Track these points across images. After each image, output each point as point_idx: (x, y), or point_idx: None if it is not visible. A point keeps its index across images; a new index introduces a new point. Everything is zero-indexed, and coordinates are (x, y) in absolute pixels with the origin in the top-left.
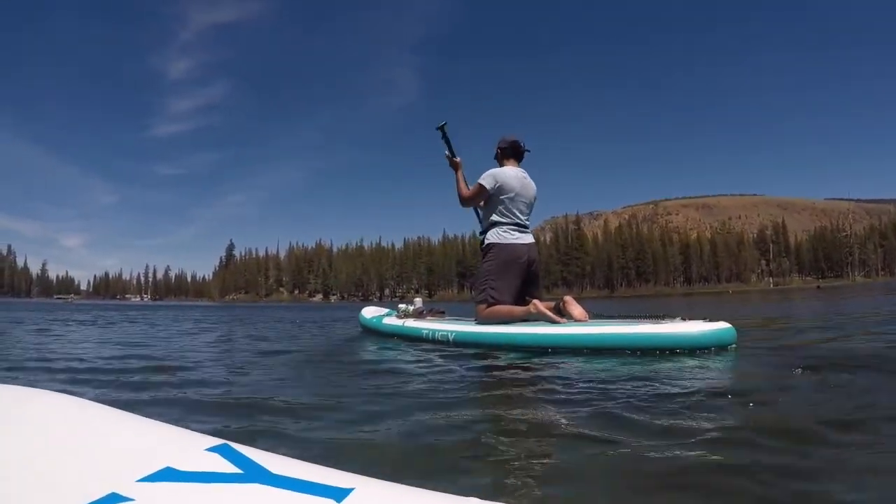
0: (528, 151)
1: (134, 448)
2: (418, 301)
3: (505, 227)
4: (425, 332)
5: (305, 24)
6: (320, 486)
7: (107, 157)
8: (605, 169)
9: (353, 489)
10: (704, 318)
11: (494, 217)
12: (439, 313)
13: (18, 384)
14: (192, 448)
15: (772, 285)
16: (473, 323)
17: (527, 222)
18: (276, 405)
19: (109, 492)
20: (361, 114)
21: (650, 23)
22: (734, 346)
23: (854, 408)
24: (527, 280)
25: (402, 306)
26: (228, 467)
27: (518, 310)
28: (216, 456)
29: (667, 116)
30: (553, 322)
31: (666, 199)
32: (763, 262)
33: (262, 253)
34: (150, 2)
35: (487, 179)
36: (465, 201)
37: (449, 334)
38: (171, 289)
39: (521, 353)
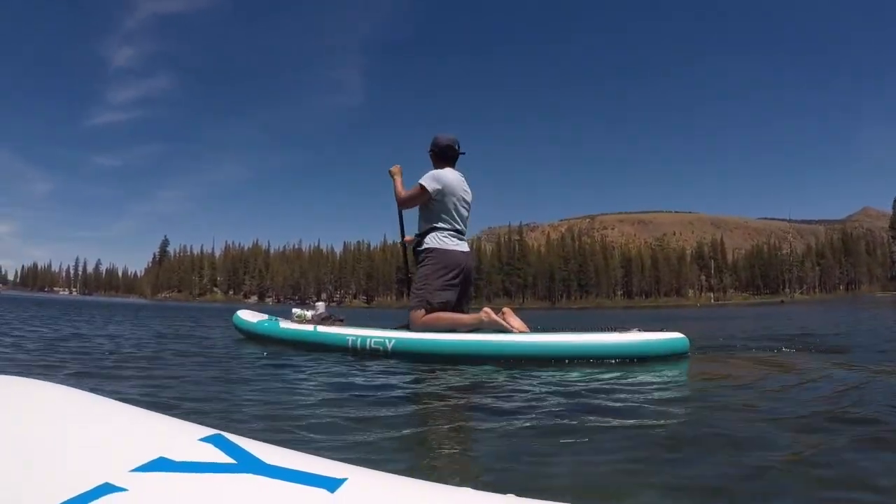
0: (463, 154)
1: (127, 438)
2: (321, 306)
3: (445, 233)
4: (351, 339)
5: (253, 20)
6: (313, 475)
7: (43, 144)
8: (543, 181)
9: (345, 479)
10: (661, 329)
11: (433, 221)
12: (339, 321)
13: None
14: (185, 438)
15: (712, 300)
16: (404, 330)
17: (464, 230)
18: None
19: (103, 482)
20: (305, 113)
21: (588, 36)
22: (688, 353)
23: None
24: (462, 290)
25: (298, 311)
26: (222, 457)
27: (466, 318)
28: (209, 446)
29: (603, 131)
30: (507, 331)
31: (602, 214)
32: (703, 277)
33: (196, 251)
34: None
35: (428, 181)
36: (402, 203)
37: (386, 342)
38: (101, 284)
39: (482, 364)
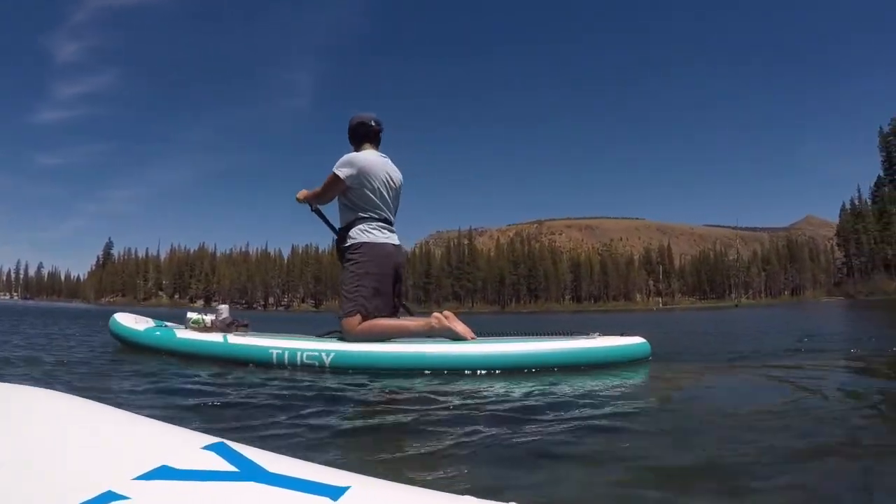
0: (383, 131)
1: (130, 446)
2: (224, 309)
3: (373, 224)
4: (276, 353)
5: (206, 19)
6: (316, 484)
7: None
8: (491, 186)
9: (349, 487)
10: (622, 333)
11: (357, 211)
12: (242, 326)
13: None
14: (188, 446)
15: (661, 304)
16: (334, 338)
17: (392, 219)
18: None
19: (106, 489)
20: (256, 115)
21: (540, 46)
22: (650, 357)
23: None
24: (396, 291)
25: (194, 315)
26: (225, 465)
27: (413, 324)
28: (213, 454)
29: (550, 137)
30: (462, 339)
31: (550, 219)
32: (651, 282)
33: (142, 254)
34: None
35: (344, 168)
36: (320, 197)
37: (322, 356)
38: (43, 288)
39: (433, 377)
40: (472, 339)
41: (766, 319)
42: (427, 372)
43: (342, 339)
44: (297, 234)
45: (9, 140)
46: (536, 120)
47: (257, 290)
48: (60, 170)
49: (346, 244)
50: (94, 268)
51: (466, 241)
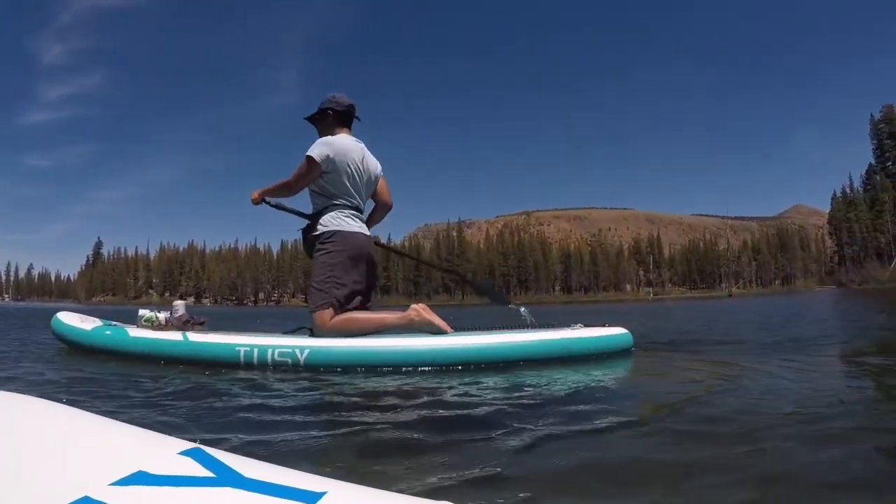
0: (359, 120)
1: (106, 451)
2: (180, 306)
3: (347, 212)
4: (243, 350)
5: (192, 18)
6: (293, 489)
7: None
8: (478, 178)
9: (325, 493)
10: (604, 324)
11: (330, 198)
12: (199, 324)
13: None
14: (165, 452)
15: (651, 295)
16: (304, 335)
17: (363, 208)
18: None
19: (82, 495)
20: (243, 113)
21: (527, 37)
22: (633, 348)
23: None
24: (369, 283)
25: (146, 313)
26: (201, 471)
27: (391, 317)
28: (189, 460)
29: (537, 128)
30: (442, 332)
31: (538, 210)
32: (641, 272)
33: (131, 253)
34: None
35: (319, 150)
36: (291, 188)
37: (296, 353)
38: (34, 289)
39: (410, 374)
40: (450, 331)
41: (761, 308)
42: (407, 369)
43: (313, 334)
44: (287, 229)
45: None
46: (521, 111)
47: (247, 286)
48: (48, 171)
49: (317, 232)
50: (84, 268)
51: (455, 234)
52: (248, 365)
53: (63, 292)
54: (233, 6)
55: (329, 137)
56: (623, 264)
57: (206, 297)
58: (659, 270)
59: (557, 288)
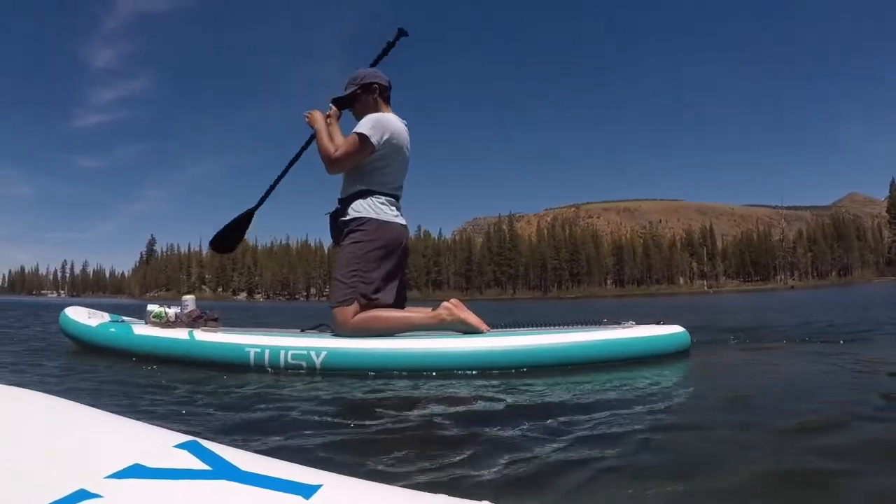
0: None
1: (103, 444)
2: (190, 301)
3: (383, 199)
4: (253, 351)
5: (234, 18)
6: (289, 482)
7: (24, 147)
8: (526, 171)
9: (321, 485)
10: (659, 321)
11: (366, 183)
12: (212, 320)
13: None
14: (161, 445)
15: (706, 288)
16: (324, 334)
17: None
18: None
19: (78, 488)
20: (286, 110)
21: (575, 27)
22: (689, 350)
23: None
24: (401, 280)
25: (155, 308)
26: (197, 464)
27: (418, 316)
28: (185, 453)
29: (587, 120)
30: (475, 331)
31: (588, 203)
32: (694, 264)
33: (184, 249)
34: None
35: (374, 129)
36: (334, 163)
37: (312, 355)
38: (89, 285)
39: (434, 378)
40: (487, 331)
41: (837, 300)
42: (433, 374)
43: (336, 333)
44: None
45: (51, 145)
46: (568, 103)
47: (299, 282)
48: (100, 171)
49: (347, 217)
50: (137, 264)
51: (507, 227)
52: (259, 367)
53: (117, 288)
54: (271, 4)
55: (381, 116)
56: (676, 257)
57: (258, 293)
58: (713, 263)
59: (609, 281)
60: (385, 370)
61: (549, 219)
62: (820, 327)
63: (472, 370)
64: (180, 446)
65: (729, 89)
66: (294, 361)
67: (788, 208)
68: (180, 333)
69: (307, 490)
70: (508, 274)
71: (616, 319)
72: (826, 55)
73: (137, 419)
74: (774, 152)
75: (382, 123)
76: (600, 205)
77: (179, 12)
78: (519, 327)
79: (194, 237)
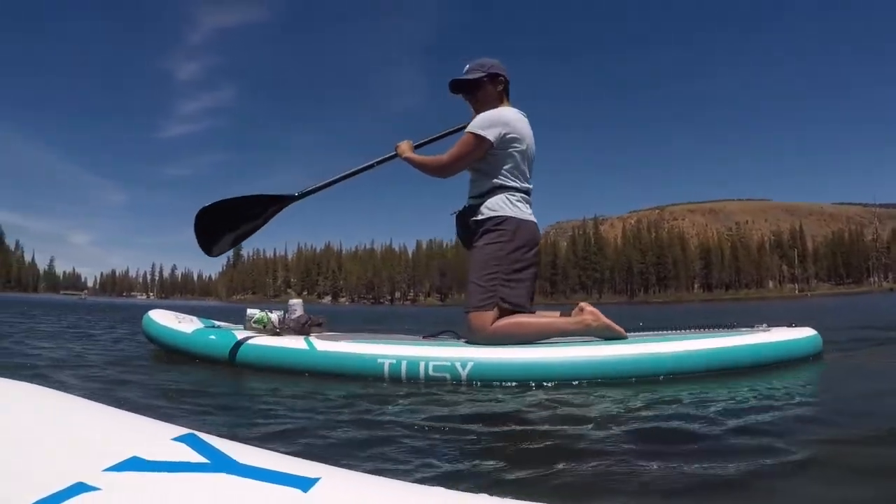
0: None
1: (100, 437)
2: (297, 305)
3: (517, 195)
4: (388, 362)
5: (311, 29)
6: (286, 475)
7: (116, 159)
8: (609, 174)
9: (318, 479)
10: (790, 324)
11: (500, 179)
12: (317, 325)
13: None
14: (159, 437)
15: (796, 291)
16: (451, 339)
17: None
18: None
19: (76, 481)
20: (369, 116)
21: (651, 28)
22: (822, 353)
23: None
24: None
25: (256, 312)
26: (195, 457)
27: (565, 322)
28: (183, 445)
29: (669, 121)
30: (618, 337)
31: (672, 205)
32: (784, 267)
33: (270, 254)
34: (158, 3)
35: (493, 128)
36: (445, 168)
37: (457, 366)
38: (177, 287)
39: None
40: (626, 336)
41: None
42: (575, 382)
43: (470, 342)
44: (421, 229)
45: (140, 155)
46: (652, 104)
47: (384, 286)
48: (187, 179)
49: (481, 217)
50: (224, 268)
51: (591, 230)
52: (394, 379)
53: (205, 291)
54: (346, 15)
55: (495, 113)
56: (765, 259)
57: (342, 296)
58: (804, 265)
59: (697, 285)
60: (535, 380)
61: (633, 221)
62: None
63: (622, 379)
64: (178, 439)
65: (815, 77)
66: (436, 374)
67: (882, 206)
68: (296, 342)
69: (305, 483)
70: (594, 278)
71: (749, 323)
72: None
73: (137, 411)
74: (865, 147)
75: (500, 120)
76: (685, 206)
77: (259, 25)
78: (650, 331)
79: (280, 242)
